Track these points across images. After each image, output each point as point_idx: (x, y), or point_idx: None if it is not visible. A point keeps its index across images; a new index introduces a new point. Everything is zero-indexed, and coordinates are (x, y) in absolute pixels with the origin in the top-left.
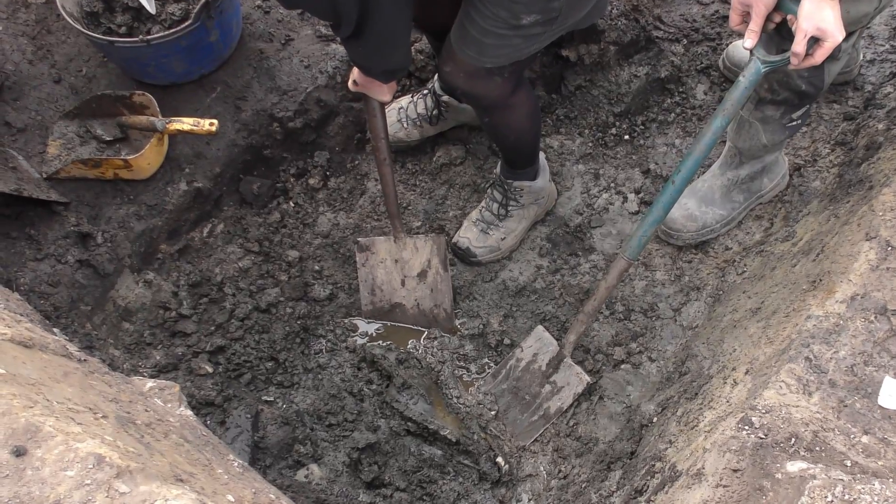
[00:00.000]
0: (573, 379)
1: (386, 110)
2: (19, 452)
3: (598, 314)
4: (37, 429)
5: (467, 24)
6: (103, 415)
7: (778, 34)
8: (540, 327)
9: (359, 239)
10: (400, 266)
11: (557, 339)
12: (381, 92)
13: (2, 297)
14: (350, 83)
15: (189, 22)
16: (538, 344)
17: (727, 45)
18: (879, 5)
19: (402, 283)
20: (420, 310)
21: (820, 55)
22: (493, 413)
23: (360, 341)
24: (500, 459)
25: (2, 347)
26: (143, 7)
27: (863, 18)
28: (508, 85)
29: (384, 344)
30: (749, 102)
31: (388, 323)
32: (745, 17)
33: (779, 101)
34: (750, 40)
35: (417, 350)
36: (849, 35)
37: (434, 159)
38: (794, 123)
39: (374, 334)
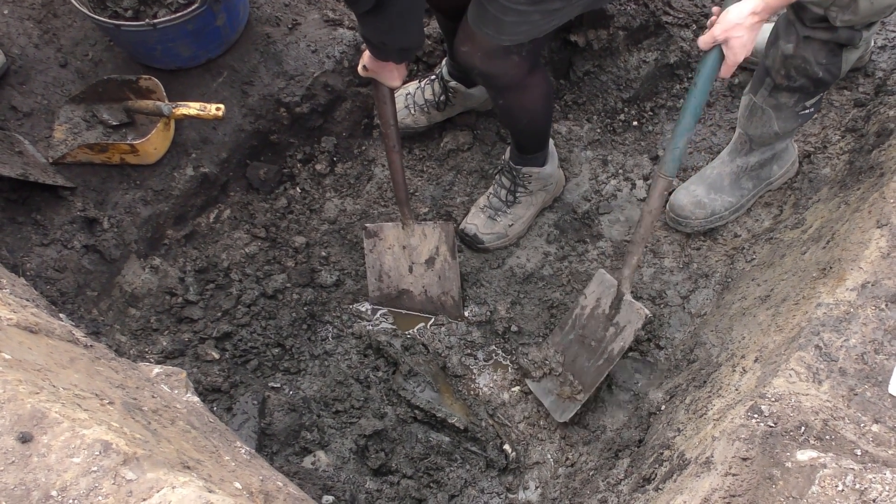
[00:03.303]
0: (633, 315)
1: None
2: (25, 439)
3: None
4: (43, 415)
5: (486, 2)
6: (110, 401)
7: (795, 16)
8: (602, 270)
9: (367, 225)
10: (408, 252)
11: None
12: (391, 77)
13: (8, 283)
14: (360, 68)
15: (196, 6)
16: (600, 288)
17: None
18: None
19: (410, 270)
20: (428, 297)
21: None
22: (560, 367)
23: (368, 326)
24: (507, 447)
25: (7, 333)
26: None
27: (886, 9)
28: (525, 64)
29: (390, 329)
30: (763, 89)
31: (396, 310)
32: None
33: (794, 88)
34: None
35: (424, 336)
36: (869, 25)
37: (441, 145)
38: (807, 111)
39: (382, 320)
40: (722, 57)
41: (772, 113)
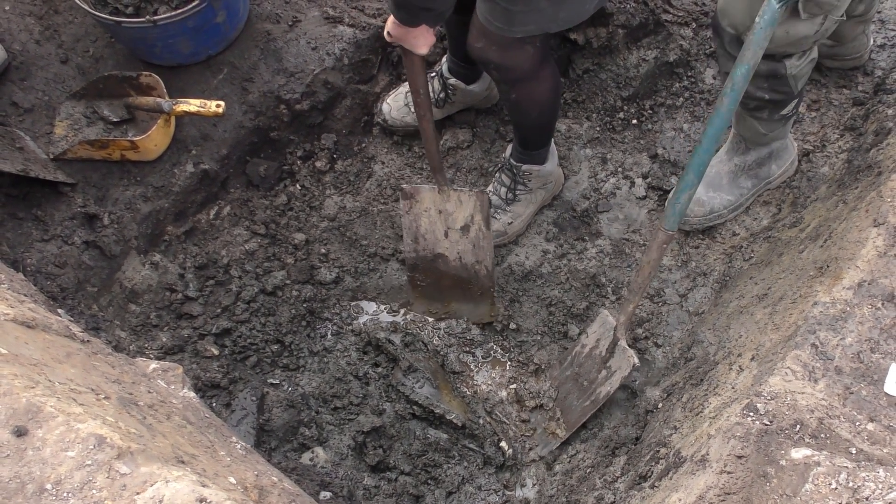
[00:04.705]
0: (624, 362)
1: (393, 95)
2: (20, 432)
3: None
4: (38, 409)
5: None
6: (105, 396)
7: (720, 44)
8: (605, 311)
9: (403, 186)
10: (444, 217)
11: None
12: (417, 43)
13: (6, 278)
14: (385, 34)
15: (196, 3)
16: (601, 329)
17: None
18: (821, 28)
19: (446, 235)
20: (462, 263)
21: None
22: (552, 402)
23: (367, 323)
24: (503, 444)
25: (4, 328)
26: None
27: (802, 41)
28: (538, 55)
29: (389, 326)
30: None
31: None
32: None
33: (755, 108)
34: None
35: (423, 333)
36: (788, 56)
37: (441, 143)
38: (788, 115)
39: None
40: None
41: (753, 121)
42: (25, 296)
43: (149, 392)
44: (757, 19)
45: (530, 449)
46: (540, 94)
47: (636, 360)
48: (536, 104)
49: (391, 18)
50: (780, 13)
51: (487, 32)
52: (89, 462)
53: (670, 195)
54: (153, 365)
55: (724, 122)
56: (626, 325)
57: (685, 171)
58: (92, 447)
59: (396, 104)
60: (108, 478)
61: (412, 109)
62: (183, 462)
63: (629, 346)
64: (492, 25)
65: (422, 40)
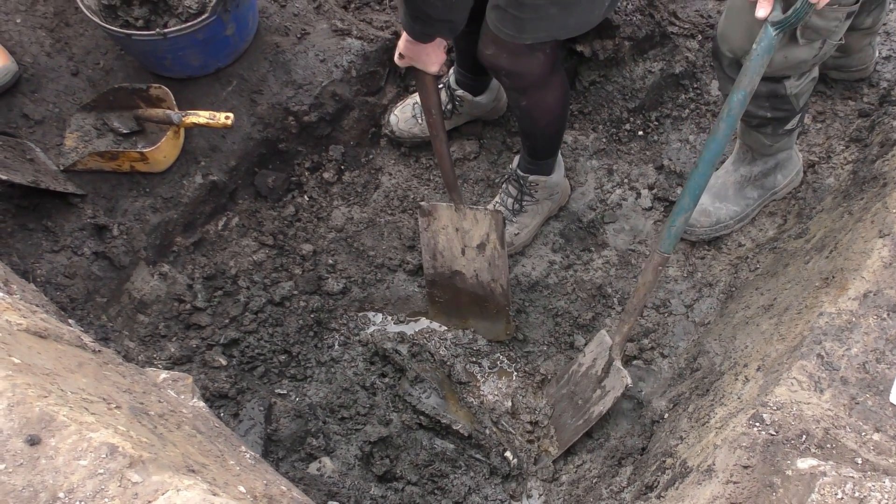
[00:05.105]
0: (617, 382)
1: (401, 106)
2: (33, 441)
3: (639, 313)
4: (51, 418)
5: (502, 2)
6: (117, 405)
7: (718, 64)
8: (603, 331)
9: (421, 203)
10: (461, 235)
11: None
12: (429, 62)
13: (18, 288)
14: (396, 57)
15: (206, 15)
16: (598, 348)
17: None
18: (819, 52)
19: (463, 252)
20: (479, 280)
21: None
22: (546, 420)
23: (374, 334)
24: (508, 454)
25: (17, 338)
26: (160, 0)
27: (801, 64)
28: (549, 62)
29: (396, 336)
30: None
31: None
32: None
33: (759, 125)
34: (763, 9)
35: (430, 343)
36: (787, 77)
37: None
38: (793, 129)
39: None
40: None
41: (758, 134)
42: (37, 306)
43: (159, 402)
44: (754, 46)
45: (535, 460)
46: (550, 101)
47: (629, 381)
48: (546, 112)
49: (403, 38)
50: (777, 40)
51: (498, 40)
52: (101, 471)
53: (667, 218)
54: (163, 375)
55: (721, 147)
56: (621, 346)
57: (681, 194)
58: (104, 456)
59: (404, 115)
60: (120, 486)
61: (419, 121)
62: (193, 471)
63: (632, 359)
64: (502, 33)
65: (433, 58)
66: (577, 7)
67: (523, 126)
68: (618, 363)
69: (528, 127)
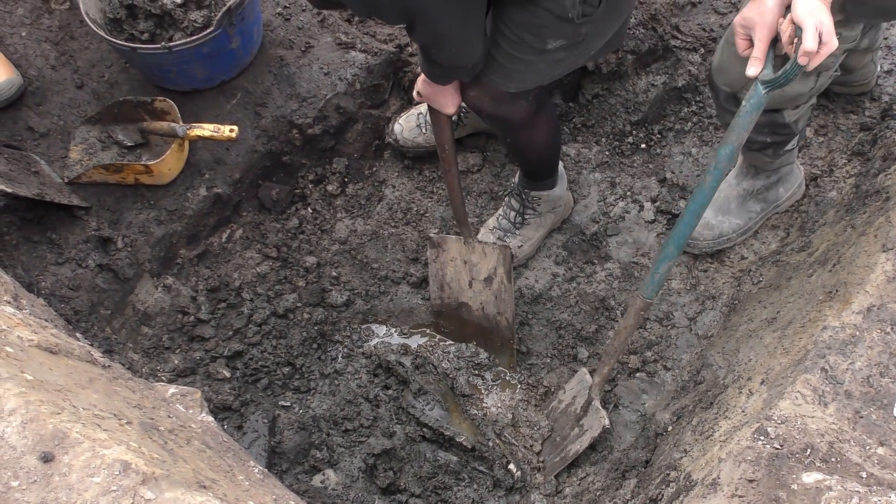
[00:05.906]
0: (595, 422)
1: (405, 115)
2: (47, 458)
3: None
4: (64, 435)
5: (493, 49)
6: (128, 421)
7: (714, 96)
8: (583, 370)
9: (431, 235)
10: (469, 268)
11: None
12: (446, 103)
13: (28, 304)
14: (415, 94)
15: (211, 29)
16: (578, 386)
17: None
18: (815, 85)
19: (470, 285)
20: (485, 313)
21: (816, 61)
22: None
23: (378, 346)
24: (511, 466)
25: (29, 354)
26: (165, 14)
27: (798, 98)
28: (532, 107)
29: (399, 348)
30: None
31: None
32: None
33: (759, 149)
34: (753, 68)
35: (433, 355)
36: (780, 110)
37: None
38: (792, 149)
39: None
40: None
41: (759, 155)
42: (47, 321)
43: (168, 417)
44: (744, 103)
45: (538, 472)
46: (537, 139)
47: (607, 423)
48: (534, 148)
49: (421, 78)
50: (766, 98)
51: (482, 84)
52: (115, 488)
53: (652, 265)
54: (172, 389)
55: (707, 200)
56: (600, 386)
57: (666, 242)
58: (117, 473)
59: (408, 125)
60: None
61: (423, 131)
62: (205, 487)
63: (635, 371)
64: (487, 78)
65: (450, 99)
66: (562, 63)
67: (513, 157)
68: (596, 403)
69: (517, 158)
